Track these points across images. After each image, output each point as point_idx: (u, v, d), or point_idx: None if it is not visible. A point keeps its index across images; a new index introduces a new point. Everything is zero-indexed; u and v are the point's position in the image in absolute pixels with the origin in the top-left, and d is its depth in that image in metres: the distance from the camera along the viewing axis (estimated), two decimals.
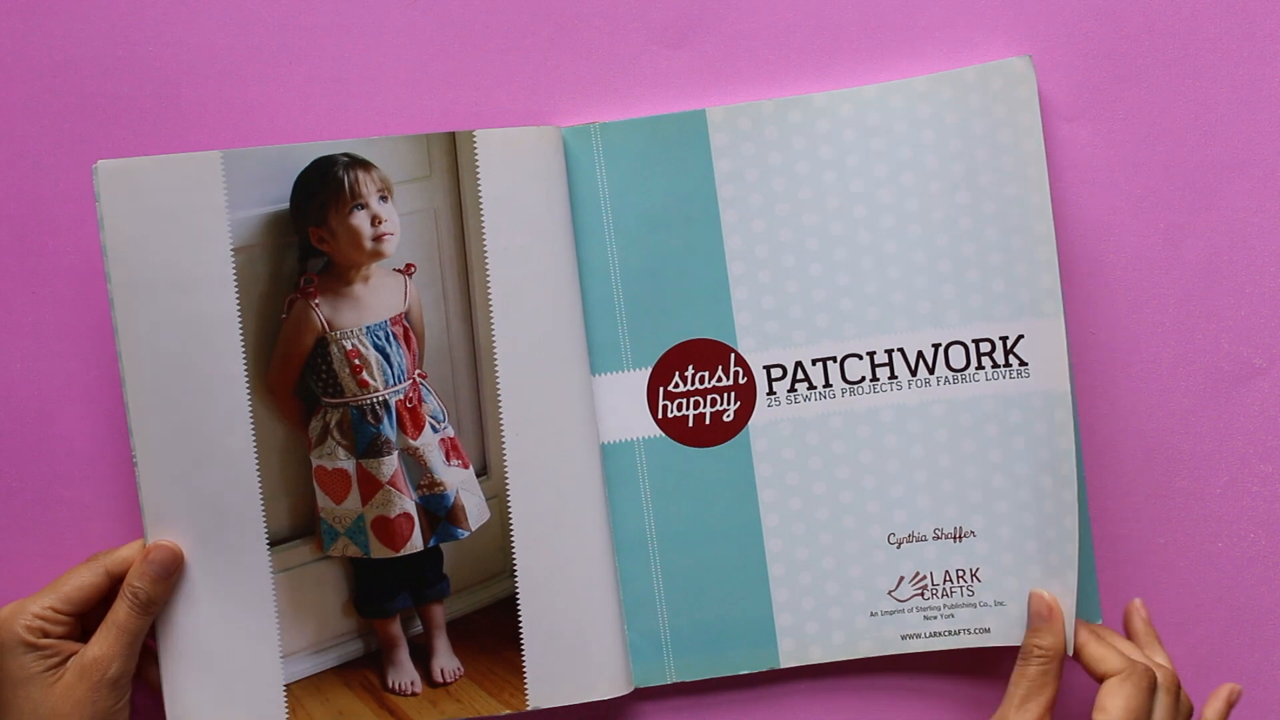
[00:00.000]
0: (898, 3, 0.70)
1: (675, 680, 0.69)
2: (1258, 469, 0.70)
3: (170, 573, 0.66)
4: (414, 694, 0.68)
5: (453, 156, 0.67)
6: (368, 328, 0.68)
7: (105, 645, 0.64)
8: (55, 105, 0.70)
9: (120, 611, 0.64)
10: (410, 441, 0.68)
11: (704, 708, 0.70)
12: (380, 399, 0.68)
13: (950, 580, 0.67)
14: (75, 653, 0.64)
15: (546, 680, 0.68)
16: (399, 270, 0.68)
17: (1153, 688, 0.64)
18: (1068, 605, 0.66)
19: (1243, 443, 0.70)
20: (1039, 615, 0.66)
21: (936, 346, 0.67)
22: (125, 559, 0.66)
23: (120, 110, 0.70)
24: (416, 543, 0.69)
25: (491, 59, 0.70)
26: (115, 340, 0.66)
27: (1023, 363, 0.66)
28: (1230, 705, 0.68)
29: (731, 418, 0.67)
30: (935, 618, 0.67)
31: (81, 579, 0.65)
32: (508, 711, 0.68)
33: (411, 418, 0.68)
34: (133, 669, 0.65)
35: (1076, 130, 0.70)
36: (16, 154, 0.70)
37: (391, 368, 0.68)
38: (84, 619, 0.66)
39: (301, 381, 0.68)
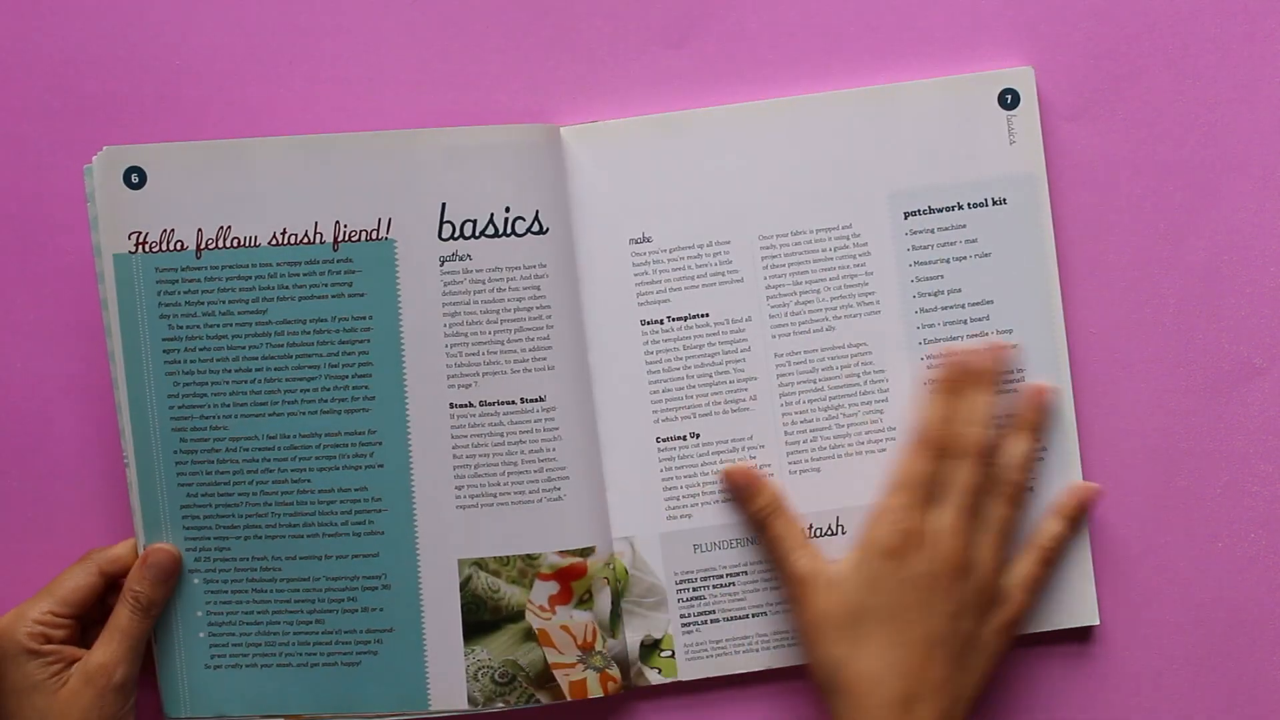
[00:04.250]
0: (898, 3, 0.70)
1: None
2: (1258, 469, 0.70)
3: (170, 575, 0.66)
4: None
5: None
6: None
7: (109, 650, 0.64)
8: (55, 105, 0.70)
9: (122, 616, 0.65)
10: None
11: (704, 706, 0.70)
12: None
13: None
14: (78, 658, 0.64)
15: None
16: None
17: (944, 451, 0.64)
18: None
19: (1243, 443, 0.70)
20: (745, 488, 0.67)
21: None
22: (118, 558, 0.66)
23: (120, 110, 0.70)
24: None
25: (491, 59, 0.70)
26: (107, 340, 0.66)
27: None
28: (1082, 506, 0.68)
29: None
30: None
31: (77, 580, 0.65)
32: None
33: None
34: (137, 672, 0.65)
35: (1076, 130, 0.70)
36: (16, 154, 0.70)
37: None
38: (82, 619, 0.66)
39: None
